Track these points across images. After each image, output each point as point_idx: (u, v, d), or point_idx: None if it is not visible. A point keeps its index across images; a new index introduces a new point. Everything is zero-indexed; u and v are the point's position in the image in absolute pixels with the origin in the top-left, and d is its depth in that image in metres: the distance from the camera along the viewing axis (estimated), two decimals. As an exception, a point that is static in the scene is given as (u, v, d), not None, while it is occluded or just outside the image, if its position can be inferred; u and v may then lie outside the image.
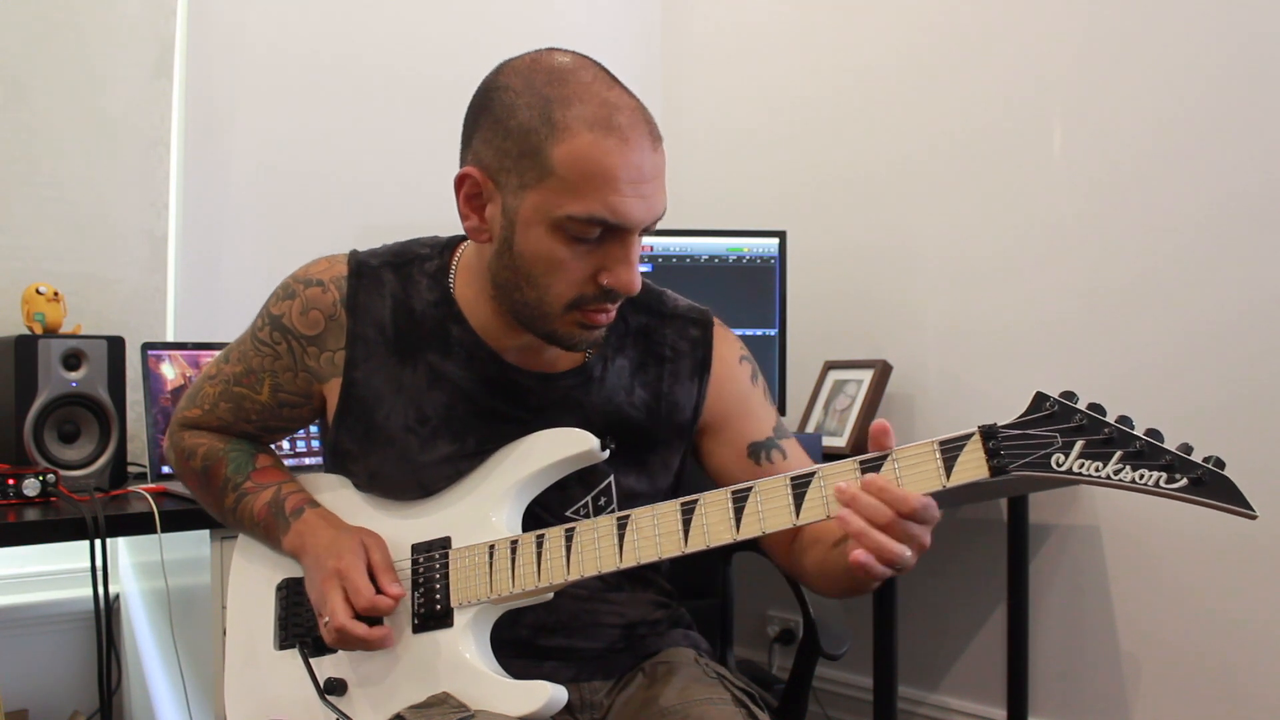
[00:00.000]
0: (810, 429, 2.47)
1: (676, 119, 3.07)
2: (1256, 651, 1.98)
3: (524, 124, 1.04)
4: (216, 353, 1.78)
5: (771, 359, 2.36)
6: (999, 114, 2.34)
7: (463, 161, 1.11)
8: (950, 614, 2.45)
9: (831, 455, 2.33)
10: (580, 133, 1.02)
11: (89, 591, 1.53)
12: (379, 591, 1.12)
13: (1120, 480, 0.90)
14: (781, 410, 2.39)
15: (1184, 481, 0.88)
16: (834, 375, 2.51)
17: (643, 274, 1.31)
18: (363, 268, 1.20)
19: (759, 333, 2.37)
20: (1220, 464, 0.89)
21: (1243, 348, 1.99)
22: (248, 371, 1.25)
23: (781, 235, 2.40)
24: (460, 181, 1.10)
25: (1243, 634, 2.00)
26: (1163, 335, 2.09)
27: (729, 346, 1.27)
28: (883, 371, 2.41)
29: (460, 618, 1.12)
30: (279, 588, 1.24)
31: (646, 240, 2.37)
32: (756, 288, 2.38)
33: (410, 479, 1.19)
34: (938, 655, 2.48)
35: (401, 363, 1.18)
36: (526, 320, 1.11)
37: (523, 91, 1.05)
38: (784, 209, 2.75)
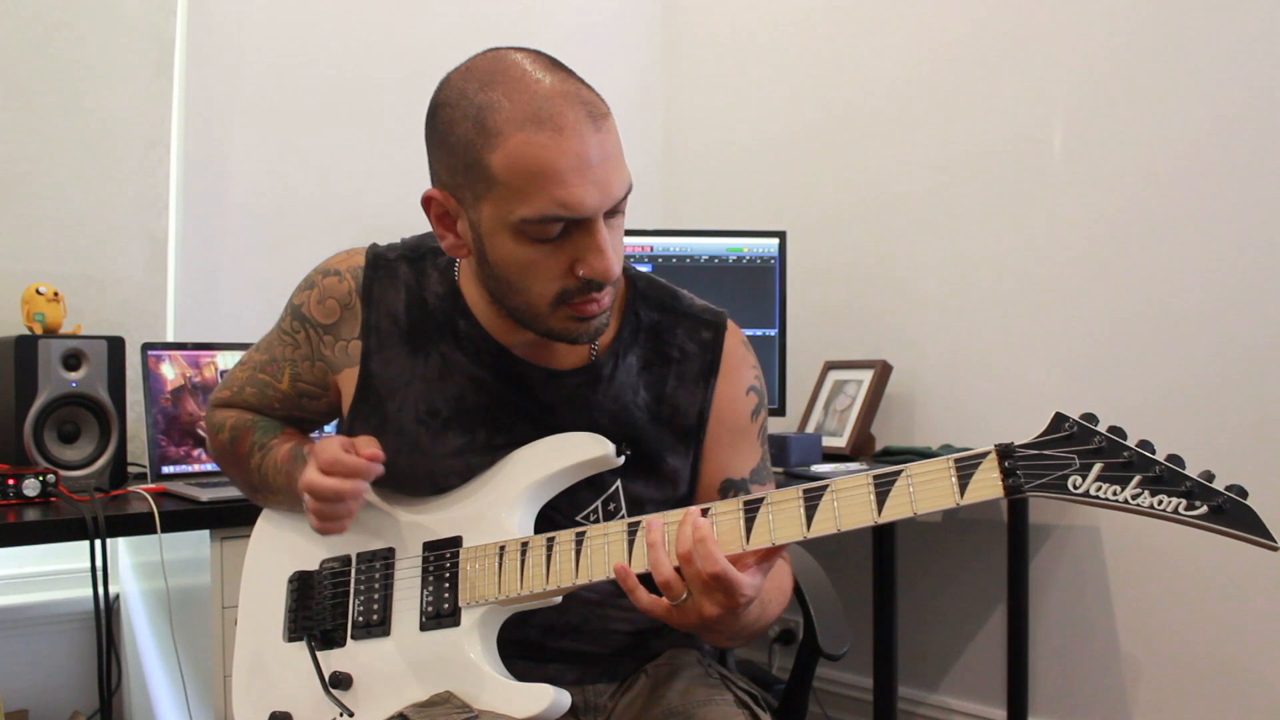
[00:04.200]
0: (810, 429, 2.47)
1: (677, 119, 3.07)
2: (1256, 652, 1.98)
3: (463, 138, 1.04)
4: (216, 353, 1.79)
5: (771, 359, 2.36)
6: (1000, 115, 2.35)
7: (431, 183, 1.12)
8: (950, 614, 2.45)
9: (831, 455, 2.34)
10: (512, 134, 1.01)
11: (89, 591, 1.54)
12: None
13: (1138, 505, 0.88)
14: (781, 410, 2.39)
15: (1204, 509, 0.86)
16: (834, 375, 2.51)
17: (654, 274, 1.30)
18: (379, 259, 1.23)
19: (759, 333, 2.37)
20: (1242, 493, 0.87)
21: (1243, 343, 1.99)
22: (271, 360, 1.28)
23: (781, 235, 2.40)
24: (427, 204, 1.12)
25: (1242, 634, 2.00)
26: (1161, 335, 2.09)
27: (741, 369, 1.25)
28: (883, 371, 2.41)
29: (468, 617, 1.12)
30: (290, 580, 1.25)
31: (645, 241, 2.38)
32: (756, 288, 2.38)
33: (421, 472, 1.19)
34: (938, 655, 2.48)
35: (414, 354, 1.20)
36: (524, 322, 1.12)
37: (458, 104, 1.05)
38: (784, 209, 2.75)
